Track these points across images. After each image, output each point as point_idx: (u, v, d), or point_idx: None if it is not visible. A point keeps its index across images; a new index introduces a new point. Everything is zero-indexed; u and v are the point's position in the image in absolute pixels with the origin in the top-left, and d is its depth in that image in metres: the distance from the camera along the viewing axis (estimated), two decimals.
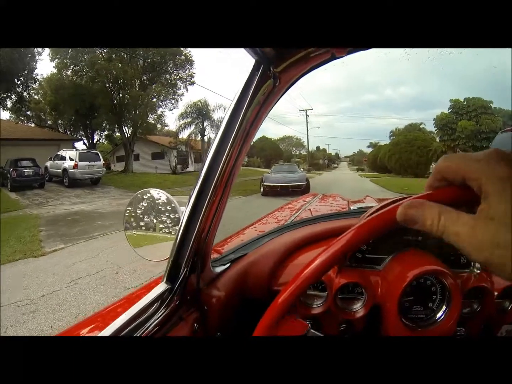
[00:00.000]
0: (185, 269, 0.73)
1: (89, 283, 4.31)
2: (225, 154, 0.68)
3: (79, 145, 23.11)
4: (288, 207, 2.06)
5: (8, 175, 15.06)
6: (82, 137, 24.86)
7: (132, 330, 0.62)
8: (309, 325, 0.62)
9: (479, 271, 0.76)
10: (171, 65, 22.84)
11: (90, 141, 25.13)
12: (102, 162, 16.92)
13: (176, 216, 0.79)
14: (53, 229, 7.79)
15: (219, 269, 0.89)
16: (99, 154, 17.26)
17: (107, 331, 0.59)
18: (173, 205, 0.81)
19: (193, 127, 26.38)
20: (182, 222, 0.71)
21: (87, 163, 16.10)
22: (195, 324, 0.75)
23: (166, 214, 0.81)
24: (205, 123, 26.60)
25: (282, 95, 0.74)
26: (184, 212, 0.72)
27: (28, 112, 22.79)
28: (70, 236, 7.06)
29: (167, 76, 23.28)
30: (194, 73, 24.06)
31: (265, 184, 13.64)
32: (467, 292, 0.74)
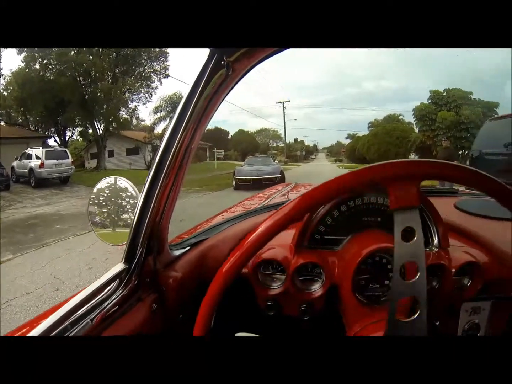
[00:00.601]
0: (141, 249, 0.74)
1: (23, 305, 3.88)
2: (177, 139, 0.71)
3: (51, 142, 22.28)
4: (258, 196, 2.07)
5: None
6: (53, 134, 23.99)
7: (90, 310, 0.63)
8: None
9: (437, 249, 0.78)
10: (145, 57, 22.10)
11: (62, 138, 24.28)
12: (70, 160, 16.21)
13: (136, 201, 0.81)
14: (8, 236, 7.24)
15: (177, 252, 0.91)
16: (68, 151, 16.55)
17: (62, 311, 0.58)
18: (132, 190, 0.85)
19: (168, 121, 25.79)
20: (138, 205, 0.74)
21: (54, 161, 15.39)
22: (154, 305, 0.77)
23: (126, 200, 0.85)
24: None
25: (235, 83, 0.76)
26: (140, 196, 0.74)
27: None
28: (23, 244, 6.59)
29: (141, 69, 22.55)
30: (168, 66, 23.44)
31: (237, 177, 13.15)
32: (426, 270, 0.69)
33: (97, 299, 0.65)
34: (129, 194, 0.86)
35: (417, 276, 0.48)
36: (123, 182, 0.87)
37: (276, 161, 16.31)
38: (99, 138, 21.88)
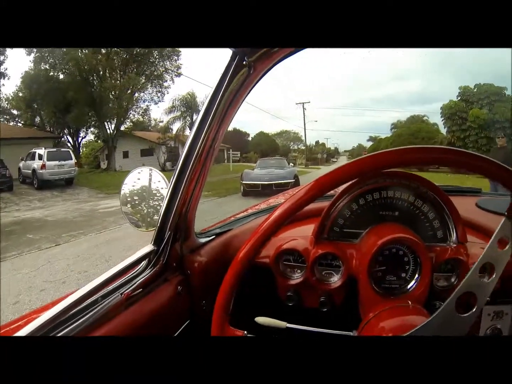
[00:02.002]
0: (169, 232, 0.81)
1: None
2: (203, 136, 0.76)
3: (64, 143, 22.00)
4: (283, 195, 2.02)
5: None
6: (66, 135, 23.80)
7: (120, 285, 0.69)
8: (245, 332, 0.62)
9: (455, 245, 0.78)
10: (157, 56, 21.48)
11: (74, 138, 24.08)
12: (74, 161, 15.67)
13: (165, 189, 0.87)
14: None
15: (203, 240, 0.97)
16: (71, 152, 16.04)
17: (93, 283, 0.63)
18: (163, 180, 0.90)
19: (182, 121, 25.24)
20: (167, 194, 0.81)
21: (56, 162, 14.86)
22: (179, 287, 0.83)
23: (157, 189, 0.90)
24: (195, 117, 25.31)
25: (256, 83, 0.80)
26: (169, 185, 0.81)
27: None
28: None
29: (152, 68, 21.95)
30: (181, 64, 22.77)
31: (244, 182, 11.60)
32: (444, 264, 0.76)
33: (128, 276, 0.71)
34: (160, 183, 0.90)
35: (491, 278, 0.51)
36: (154, 172, 0.91)
37: (291, 164, 14.70)
38: (109, 138, 21.36)
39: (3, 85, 17.78)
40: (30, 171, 15.39)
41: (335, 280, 0.81)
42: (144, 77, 22.14)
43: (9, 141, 17.96)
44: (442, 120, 22.32)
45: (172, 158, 26.85)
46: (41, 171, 14.62)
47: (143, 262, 0.77)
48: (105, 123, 20.96)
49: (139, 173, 0.93)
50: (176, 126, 25.41)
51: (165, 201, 0.80)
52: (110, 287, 0.66)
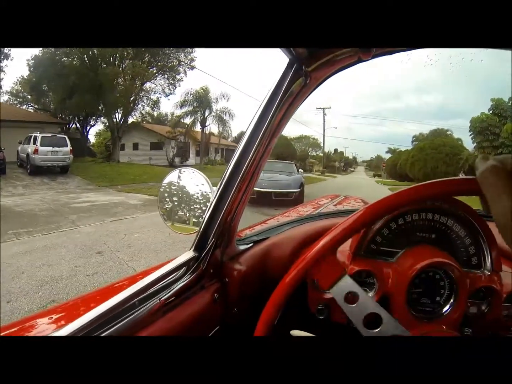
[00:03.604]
0: (212, 239, 0.80)
1: None
2: (255, 146, 0.75)
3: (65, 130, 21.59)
4: (311, 204, 2.07)
5: None
6: (75, 122, 23.45)
7: (159, 290, 0.68)
8: (346, 269, 0.63)
9: (489, 273, 0.77)
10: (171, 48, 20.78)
11: (82, 125, 23.70)
12: (69, 148, 15.06)
13: (207, 194, 0.86)
14: None
15: (242, 247, 0.95)
16: (67, 139, 15.37)
17: (133, 288, 0.63)
18: (205, 184, 0.87)
19: (193, 116, 24.58)
20: (213, 199, 0.80)
21: (50, 148, 14.32)
22: (216, 294, 0.82)
23: (199, 191, 0.87)
24: (207, 113, 24.68)
25: (310, 93, 0.79)
26: (216, 191, 0.79)
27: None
28: None
29: (165, 59, 21.24)
30: (195, 57, 21.98)
31: None
32: (476, 292, 0.76)
33: (166, 281, 0.70)
34: (204, 186, 0.87)
35: None
36: (197, 174, 0.89)
37: (301, 170, 13.15)
38: (114, 127, 20.78)
39: (6, 66, 17.31)
40: (24, 155, 14.99)
41: (370, 296, 0.77)
42: (155, 68, 21.45)
43: (13, 123, 17.71)
44: (471, 135, 20.44)
45: (182, 153, 26.26)
46: (33, 156, 14.13)
47: (182, 269, 0.76)
48: (112, 112, 20.24)
49: (180, 173, 0.91)
50: (187, 121, 24.83)
51: (211, 208, 0.80)
52: (149, 292, 0.66)
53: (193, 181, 0.89)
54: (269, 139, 0.77)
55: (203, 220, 0.80)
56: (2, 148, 14.57)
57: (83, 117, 22.93)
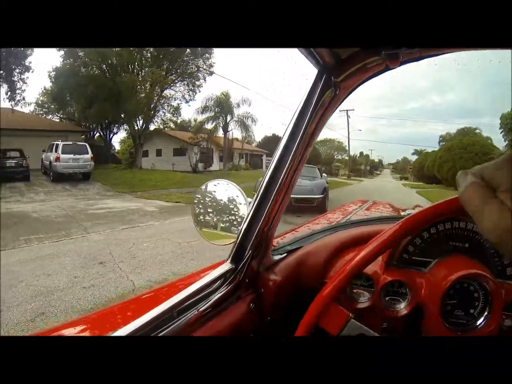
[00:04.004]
0: (250, 251, 0.81)
1: None
2: (290, 157, 0.76)
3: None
4: (340, 210, 2.05)
5: None
6: (98, 130, 23.92)
7: (197, 300, 0.69)
8: (351, 314, 0.65)
9: None
10: (189, 54, 20.84)
11: (104, 133, 24.09)
12: (90, 155, 15.27)
13: (242, 205, 0.86)
14: None
15: (276, 257, 0.96)
16: (87, 146, 15.60)
17: (173, 300, 0.64)
18: (239, 195, 0.88)
19: (215, 122, 24.53)
20: (250, 211, 0.81)
21: (71, 156, 14.57)
22: (251, 304, 0.83)
23: (234, 203, 0.88)
24: (228, 118, 24.58)
25: (340, 103, 0.80)
26: (253, 203, 0.81)
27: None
28: None
29: (184, 66, 21.28)
30: (214, 63, 21.96)
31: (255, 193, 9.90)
32: (510, 304, 0.73)
33: (204, 292, 0.71)
34: (238, 198, 0.88)
35: None
36: (232, 186, 0.90)
37: (324, 175, 12.51)
38: (136, 134, 20.98)
39: (27, 77, 17.78)
40: (48, 163, 15.28)
41: (401, 307, 0.80)
42: (175, 75, 21.55)
43: (37, 132, 18.31)
44: (501, 132, 19.28)
45: (205, 159, 26.25)
46: (55, 163, 14.40)
47: (219, 281, 0.76)
48: (132, 119, 20.42)
49: (215, 185, 0.92)
50: (209, 127, 24.80)
51: (247, 219, 0.80)
52: (187, 304, 0.67)
53: (228, 193, 0.89)
54: (303, 150, 0.77)
55: (240, 232, 0.80)
56: (27, 156, 15.01)
57: (106, 125, 23.35)
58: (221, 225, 0.89)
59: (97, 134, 24.57)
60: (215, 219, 0.90)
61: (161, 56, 19.14)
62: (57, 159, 14.32)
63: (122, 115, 20.09)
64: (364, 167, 46.87)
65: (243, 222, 0.81)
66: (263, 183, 0.79)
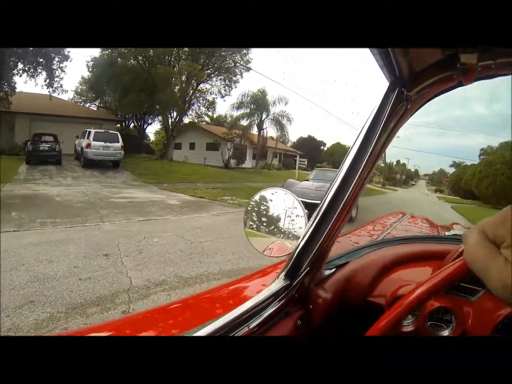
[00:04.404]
0: (306, 268, 0.77)
1: None
2: (358, 175, 0.73)
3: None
4: (380, 223, 2.05)
5: (26, 149, 14.83)
6: (133, 120, 24.30)
7: (247, 318, 0.67)
8: None
9: None
10: (226, 49, 20.67)
11: (139, 123, 24.46)
12: (120, 144, 15.40)
13: (301, 218, 0.83)
14: None
15: (326, 272, 0.92)
16: (119, 135, 15.75)
17: (226, 319, 0.63)
18: (298, 207, 0.85)
19: (250, 119, 24.27)
20: (310, 226, 0.76)
21: (102, 143, 14.77)
22: (299, 321, 0.79)
23: (290, 215, 0.84)
24: (264, 116, 24.25)
25: (409, 117, 0.76)
26: (314, 219, 0.76)
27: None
28: None
29: (221, 61, 21.12)
30: (251, 59, 21.68)
31: None
32: None
33: (257, 309, 0.69)
34: (296, 210, 0.85)
35: None
36: (290, 197, 0.86)
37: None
38: (168, 127, 21.09)
39: (66, 66, 17.95)
40: (80, 149, 15.60)
41: (445, 334, 0.78)
42: (212, 69, 21.46)
43: (73, 119, 18.82)
44: None
45: (238, 155, 26.09)
46: (86, 149, 14.65)
47: (271, 298, 0.73)
48: (165, 111, 20.51)
49: (272, 194, 0.88)
50: (243, 123, 24.58)
51: (307, 235, 0.76)
52: (239, 321, 0.65)
53: (285, 203, 0.86)
54: (371, 166, 0.74)
55: (297, 247, 0.77)
56: (61, 141, 15.39)
57: (141, 116, 23.66)
58: (275, 236, 0.86)
59: (132, 124, 24.96)
60: (268, 230, 0.87)
61: (198, 51, 19.01)
62: (88, 145, 14.56)
63: (157, 107, 20.17)
64: (400, 176, 45.24)
65: (301, 237, 0.77)
66: (326, 197, 0.76)
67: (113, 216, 7.11)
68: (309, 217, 0.85)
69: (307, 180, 10.65)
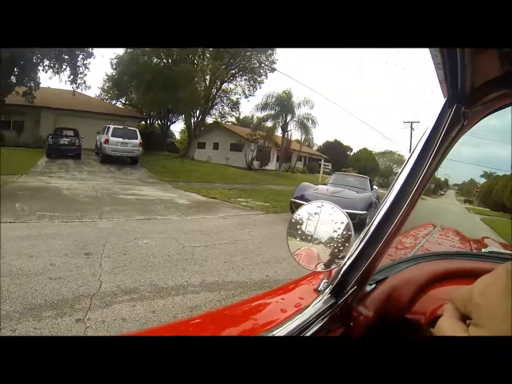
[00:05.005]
0: (353, 287, 0.76)
1: None
2: (411, 194, 0.71)
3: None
4: (411, 234, 1.97)
5: (47, 142, 15.12)
6: (157, 118, 24.48)
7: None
8: None
9: None
10: (251, 49, 20.42)
11: (162, 122, 24.59)
12: (139, 141, 15.36)
13: (348, 234, 0.80)
14: None
15: (368, 288, 0.90)
16: (137, 132, 15.71)
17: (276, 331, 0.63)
18: (345, 222, 0.81)
19: (274, 120, 23.93)
20: (359, 244, 0.74)
21: (120, 139, 14.78)
22: None
23: (337, 230, 0.81)
24: (288, 118, 23.85)
25: (464, 133, 0.75)
26: (364, 236, 0.74)
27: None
28: None
29: (245, 61, 20.80)
30: (276, 60, 21.29)
31: (293, 200, 8.29)
32: None
33: (301, 328, 0.67)
34: (343, 225, 0.81)
35: None
36: (338, 211, 0.83)
37: (375, 188, 11.04)
38: (190, 125, 21.03)
39: (89, 63, 18.13)
40: (99, 144, 15.74)
41: None
42: (236, 69, 21.25)
43: (96, 115, 19.16)
44: None
45: (262, 157, 25.80)
46: (104, 145, 14.72)
47: (318, 313, 0.71)
48: (187, 110, 20.41)
49: (318, 207, 0.84)
50: (268, 125, 24.26)
51: (355, 254, 0.74)
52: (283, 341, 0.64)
53: (332, 217, 0.82)
54: (424, 186, 0.72)
55: (344, 264, 0.75)
56: (82, 136, 15.61)
57: (164, 114, 23.78)
58: (319, 251, 0.82)
59: (157, 122, 25.17)
60: (311, 244, 0.83)
61: (222, 50, 18.84)
62: (106, 141, 14.61)
63: (180, 105, 20.17)
64: (428, 185, 43.91)
65: (349, 254, 0.75)
66: (377, 215, 0.73)
67: (114, 213, 6.88)
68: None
69: (325, 184, 10.12)
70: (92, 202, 7.82)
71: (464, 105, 0.67)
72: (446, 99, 0.67)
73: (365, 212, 7.50)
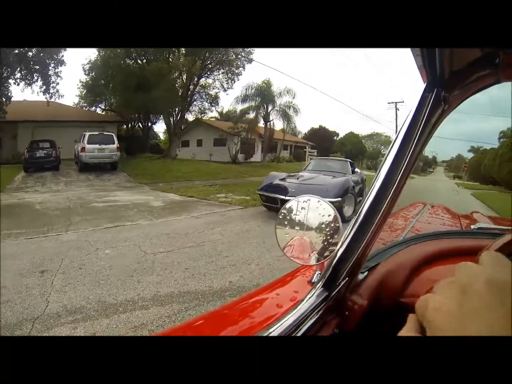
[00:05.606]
0: (346, 278, 0.76)
1: None
2: (398, 177, 0.71)
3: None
4: (401, 215, 1.99)
5: (23, 156, 14.87)
6: (137, 120, 24.17)
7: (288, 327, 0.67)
8: None
9: None
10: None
11: (144, 124, 24.31)
12: (116, 145, 15.19)
13: (336, 226, 0.81)
14: None
15: (360, 277, 0.91)
16: (114, 136, 15.53)
17: (263, 333, 0.64)
18: (332, 214, 0.82)
19: (255, 111, 23.76)
20: (348, 235, 0.74)
21: (97, 146, 14.58)
22: (336, 330, 0.78)
23: (324, 222, 0.82)
24: (270, 108, 23.67)
25: (445, 117, 0.75)
26: (352, 226, 0.74)
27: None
28: None
29: (221, 53, 20.48)
30: (253, 50, 21.01)
31: (259, 192, 7.95)
32: None
33: (297, 323, 0.68)
34: (330, 217, 0.82)
35: None
36: (324, 204, 0.83)
37: (358, 170, 10.50)
38: (170, 124, 20.77)
39: (61, 71, 17.96)
40: (77, 153, 15.52)
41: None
42: (212, 63, 20.95)
43: (75, 123, 18.84)
44: None
45: (246, 150, 25.63)
46: (81, 153, 14.53)
47: (312, 307, 0.72)
48: (163, 109, 20.03)
49: (304, 201, 0.85)
50: (250, 116, 24.08)
51: (345, 243, 0.75)
52: (277, 333, 0.65)
53: (319, 211, 0.83)
54: (409, 171, 0.72)
55: (335, 256, 0.76)
56: (59, 147, 15.39)
57: (144, 115, 23.50)
58: (308, 245, 0.83)
59: (138, 124, 24.89)
60: (301, 240, 0.84)
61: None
62: (83, 149, 14.41)
63: (157, 105, 19.94)
64: (417, 163, 44.03)
65: (339, 246, 0.76)
66: (364, 206, 0.74)
67: (83, 223, 6.77)
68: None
69: (302, 171, 9.81)
70: (63, 214, 7.70)
71: (444, 89, 0.67)
72: (425, 84, 0.68)
73: (338, 199, 7.10)
